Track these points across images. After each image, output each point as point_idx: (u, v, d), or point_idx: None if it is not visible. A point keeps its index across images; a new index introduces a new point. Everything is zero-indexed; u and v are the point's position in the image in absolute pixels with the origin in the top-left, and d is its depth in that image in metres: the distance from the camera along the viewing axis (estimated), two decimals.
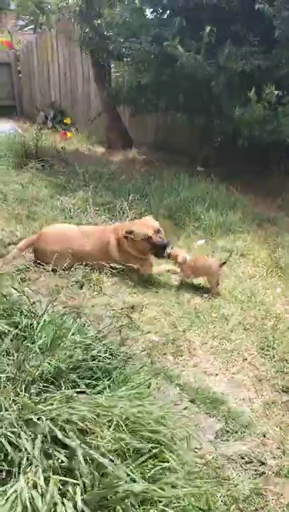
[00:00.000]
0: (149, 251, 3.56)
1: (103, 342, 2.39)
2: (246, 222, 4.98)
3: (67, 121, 10.82)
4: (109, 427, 1.68)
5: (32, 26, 9.20)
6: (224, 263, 3.47)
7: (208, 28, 5.34)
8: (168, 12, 6.53)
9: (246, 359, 2.81)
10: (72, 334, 2.27)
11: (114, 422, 1.69)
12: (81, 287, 3.40)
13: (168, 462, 1.70)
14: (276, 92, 5.27)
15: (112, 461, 1.54)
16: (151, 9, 6.63)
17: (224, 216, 4.87)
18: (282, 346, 2.91)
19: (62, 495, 1.47)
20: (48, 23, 8.62)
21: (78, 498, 1.43)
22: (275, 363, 2.78)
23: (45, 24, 8.84)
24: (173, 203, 4.98)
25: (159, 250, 3.54)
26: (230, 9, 5.79)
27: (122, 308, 3.16)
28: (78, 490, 1.45)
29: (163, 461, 1.71)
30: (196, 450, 2.09)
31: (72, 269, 3.52)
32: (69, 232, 3.67)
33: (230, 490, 1.93)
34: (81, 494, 1.45)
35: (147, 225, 3.54)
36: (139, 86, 6.70)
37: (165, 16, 6.55)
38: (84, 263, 3.57)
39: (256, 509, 1.89)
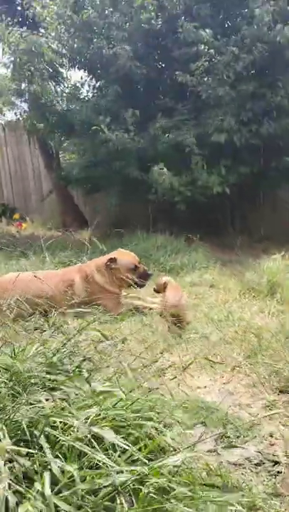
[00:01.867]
0: (131, 281, 3.37)
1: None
2: (210, 262, 4.92)
3: (16, 216, 10.92)
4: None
5: None
6: None
7: (130, 111, 5.82)
8: (102, 90, 7.07)
9: (234, 369, 2.53)
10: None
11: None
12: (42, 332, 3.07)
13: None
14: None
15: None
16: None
17: (188, 257, 4.79)
18: (270, 351, 2.65)
19: None
20: None
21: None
22: (266, 367, 2.50)
23: None
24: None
25: (144, 280, 3.36)
26: (157, 84, 6.42)
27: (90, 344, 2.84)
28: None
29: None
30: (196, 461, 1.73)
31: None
32: (26, 277, 3.43)
33: (244, 496, 1.56)
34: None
35: (130, 254, 3.40)
36: (86, 168, 7.00)
37: (98, 93, 7.08)
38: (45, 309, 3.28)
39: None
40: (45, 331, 3.13)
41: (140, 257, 4.75)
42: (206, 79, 5.70)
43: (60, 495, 1.06)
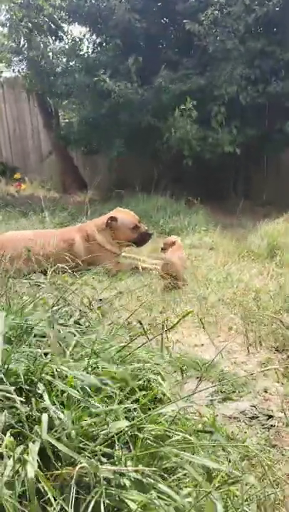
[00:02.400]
0: (131, 241, 3.36)
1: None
2: (210, 225, 4.89)
3: (17, 176, 10.77)
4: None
5: None
6: None
7: (132, 58, 5.60)
8: (102, 45, 6.81)
9: (232, 328, 2.55)
10: None
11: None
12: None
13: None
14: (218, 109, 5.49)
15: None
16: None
17: (188, 219, 4.76)
18: (268, 312, 2.67)
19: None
20: None
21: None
22: (263, 327, 2.53)
23: None
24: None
25: (145, 239, 3.35)
26: (160, 37, 6.16)
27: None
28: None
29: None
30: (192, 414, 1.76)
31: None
32: (27, 235, 3.41)
33: (238, 447, 1.60)
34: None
35: (130, 214, 3.37)
36: (87, 126, 6.83)
37: (99, 49, 6.84)
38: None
39: (272, 461, 1.56)
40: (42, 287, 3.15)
41: (140, 219, 4.74)
42: (214, 30, 5.48)
43: (57, 437, 1.08)
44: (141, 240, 3.39)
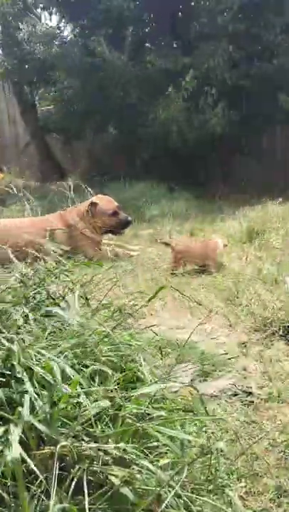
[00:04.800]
0: (111, 227, 3.35)
1: None
2: (191, 210, 4.92)
3: None
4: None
5: None
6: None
7: (130, 28, 5.53)
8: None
9: (212, 311, 2.59)
10: None
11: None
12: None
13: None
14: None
15: None
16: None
17: (169, 205, 4.78)
18: (247, 294, 2.72)
19: None
20: None
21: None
22: (243, 308, 2.58)
23: None
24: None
25: (123, 226, 3.35)
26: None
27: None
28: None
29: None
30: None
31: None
32: (7, 224, 3.38)
33: (219, 424, 1.65)
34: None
35: (110, 200, 3.36)
36: (66, 113, 6.75)
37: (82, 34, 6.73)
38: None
39: (251, 436, 1.61)
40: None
41: (121, 205, 4.73)
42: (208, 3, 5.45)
43: (38, 419, 1.09)
44: (120, 226, 3.40)
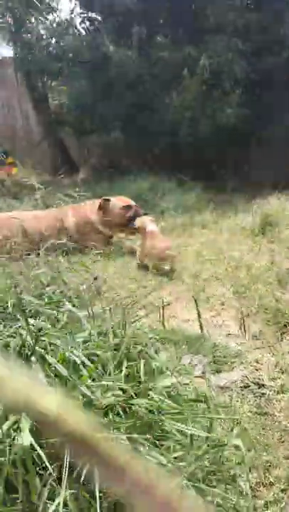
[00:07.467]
0: (122, 223, 3.37)
1: None
2: (202, 203, 4.89)
3: (10, 160, 10.63)
4: None
5: None
6: None
7: (136, 28, 5.50)
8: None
9: (224, 303, 2.58)
10: None
11: None
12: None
13: None
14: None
15: None
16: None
17: (180, 198, 4.76)
18: (260, 286, 2.71)
19: None
20: None
21: None
22: (255, 301, 2.56)
23: None
24: (126, 193, 4.82)
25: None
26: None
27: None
28: None
29: None
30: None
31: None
32: (19, 215, 3.41)
33: (230, 415, 1.65)
34: None
35: (124, 198, 3.40)
36: (79, 106, 6.74)
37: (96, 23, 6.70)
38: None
39: (264, 427, 1.61)
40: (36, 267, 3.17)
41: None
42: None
43: None
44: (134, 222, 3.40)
